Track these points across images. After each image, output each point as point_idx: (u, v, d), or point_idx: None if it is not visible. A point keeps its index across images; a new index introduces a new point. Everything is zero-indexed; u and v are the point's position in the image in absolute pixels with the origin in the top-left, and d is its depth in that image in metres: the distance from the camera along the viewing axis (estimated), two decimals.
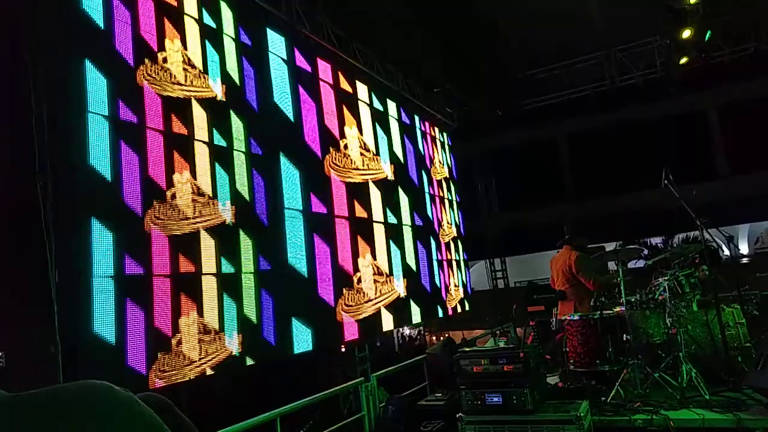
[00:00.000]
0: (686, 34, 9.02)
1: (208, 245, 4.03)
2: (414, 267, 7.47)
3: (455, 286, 8.99)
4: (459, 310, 8.81)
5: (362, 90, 7.11)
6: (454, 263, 9.19)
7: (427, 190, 8.63)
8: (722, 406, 3.37)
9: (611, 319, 4.10)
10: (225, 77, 4.62)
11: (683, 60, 9.84)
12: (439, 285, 8.31)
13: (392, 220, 7.10)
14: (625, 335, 3.97)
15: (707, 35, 9.07)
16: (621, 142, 16.07)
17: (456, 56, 8.69)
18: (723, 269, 5.75)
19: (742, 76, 14.56)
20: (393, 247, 6.96)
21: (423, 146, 8.89)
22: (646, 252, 4.72)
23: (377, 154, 7.11)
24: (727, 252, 14.48)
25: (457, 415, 3.51)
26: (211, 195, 4.17)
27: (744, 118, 16.36)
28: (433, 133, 9.55)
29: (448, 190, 9.77)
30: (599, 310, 4.37)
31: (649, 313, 4.29)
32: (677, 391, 3.66)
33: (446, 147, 10.19)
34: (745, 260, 14.50)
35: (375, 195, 6.82)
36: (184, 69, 4.20)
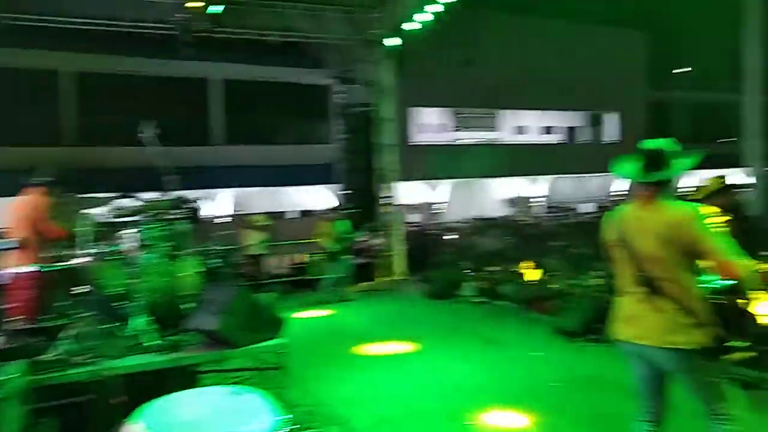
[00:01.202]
0: (196, 3, 9.38)
1: None
2: None
3: None
4: None
5: None
6: None
7: None
8: (166, 348, 3.62)
9: (68, 271, 3.82)
10: None
11: (198, 26, 10.13)
12: None
13: None
14: (81, 288, 3.77)
15: (217, 9, 9.66)
16: (129, 90, 15.60)
17: None
18: (202, 226, 6.30)
19: (246, 57, 16.44)
20: None
21: None
22: (138, 204, 4.61)
23: None
24: (208, 212, 16.06)
25: None
26: None
27: (244, 94, 18.55)
28: None
29: None
30: (59, 261, 4.01)
31: (113, 264, 4.21)
32: (130, 339, 3.73)
33: None
34: (226, 220, 16.56)
35: None
36: None
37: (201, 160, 16.61)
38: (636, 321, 2.70)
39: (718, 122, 32.85)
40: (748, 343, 2.49)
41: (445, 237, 18.99)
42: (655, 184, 2.66)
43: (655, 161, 2.65)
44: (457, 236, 18.76)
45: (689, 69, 33.95)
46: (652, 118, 30.92)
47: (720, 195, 4.50)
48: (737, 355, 2.56)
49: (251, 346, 3.72)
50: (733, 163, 12.20)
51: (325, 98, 16.74)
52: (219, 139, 18.52)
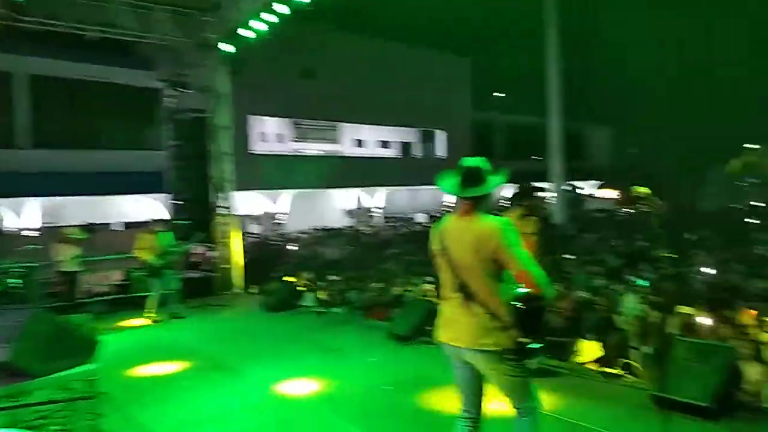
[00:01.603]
0: None
1: None
2: None
3: None
4: None
5: None
6: None
7: None
8: None
9: None
10: None
11: None
12: None
13: None
14: None
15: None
16: None
17: None
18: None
19: (60, 52, 14.72)
20: None
21: None
22: None
23: None
24: (11, 224, 14.10)
25: None
26: None
27: (57, 93, 16.56)
28: None
29: None
30: None
31: None
32: None
33: None
34: (33, 233, 14.56)
35: None
36: None
37: (4, 166, 14.50)
38: (453, 325, 2.89)
39: (531, 142, 37.13)
40: (542, 345, 2.80)
41: (286, 247, 18.79)
42: (472, 198, 2.87)
43: (472, 178, 2.87)
44: (297, 247, 18.68)
45: (504, 94, 38.03)
46: (475, 137, 33.94)
47: (526, 197, 4.99)
48: (536, 358, 2.87)
49: (56, 375, 3.30)
50: (542, 178, 13.86)
51: (155, 102, 15.63)
52: (26, 142, 16.31)
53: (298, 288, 9.94)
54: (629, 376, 5.01)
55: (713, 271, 10.27)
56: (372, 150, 30.99)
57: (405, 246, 18.07)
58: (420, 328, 6.54)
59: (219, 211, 11.03)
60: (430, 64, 30.25)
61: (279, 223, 25.71)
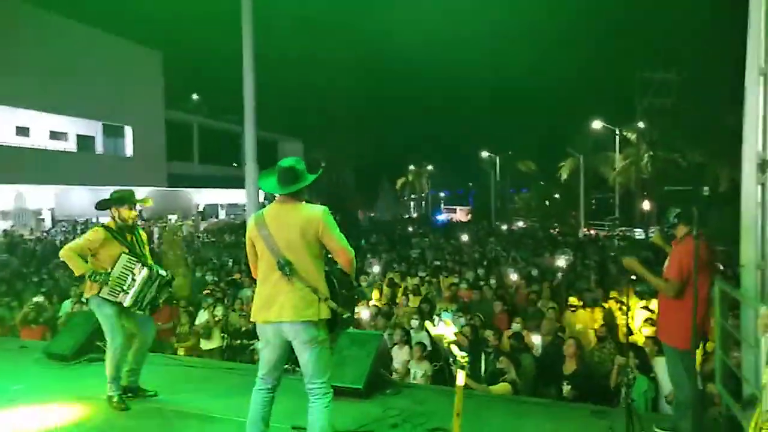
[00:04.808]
0: None
1: None
2: None
3: None
4: None
5: None
6: None
7: None
8: None
9: None
10: None
11: None
12: None
13: None
14: None
15: None
16: None
17: None
18: None
19: None
20: None
21: None
22: None
23: None
24: None
25: None
26: None
27: None
28: None
29: None
30: None
31: None
32: None
33: None
34: None
35: None
36: None
37: None
38: (275, 301, 3.16)
39: (229, 147, 37.04)
40: (350, 314, 3.35)
41: None
42: (290, 194, 3.26)
43: (289, 176, 3.25)
44: None
45: (198, 97, 37.12)
46: (171, 137, 32.13)
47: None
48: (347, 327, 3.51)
49: None
50: (240, 184, 13.80)
51: None
52: None
53: None
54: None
55: (378, 270, 11.89)
56: (40, 141, 26.36)
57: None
58: (87, 345, 5.79)
59: None
60: (116, 52, 27.43)
61: None
